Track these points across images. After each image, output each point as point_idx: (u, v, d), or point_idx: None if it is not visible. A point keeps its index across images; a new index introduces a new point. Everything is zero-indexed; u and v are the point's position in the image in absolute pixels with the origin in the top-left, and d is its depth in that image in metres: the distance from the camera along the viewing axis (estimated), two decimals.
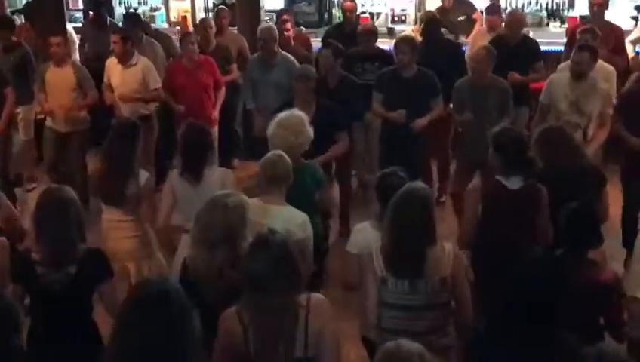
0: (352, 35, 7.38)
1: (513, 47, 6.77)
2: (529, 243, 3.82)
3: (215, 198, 3.20)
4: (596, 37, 6.24)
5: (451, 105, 6.22)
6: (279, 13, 8.67)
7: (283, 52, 6.89)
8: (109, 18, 8.88)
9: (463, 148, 6.11)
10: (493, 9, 7.99)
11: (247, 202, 3.24)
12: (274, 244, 2.73)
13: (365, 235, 3.75)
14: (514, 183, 4.07)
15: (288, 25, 7.91)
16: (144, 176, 4.60)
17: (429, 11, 8.01)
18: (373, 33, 7.23)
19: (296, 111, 4.58)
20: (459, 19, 8.59)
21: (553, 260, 3.20)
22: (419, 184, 3.41)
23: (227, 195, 3.22)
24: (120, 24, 8.58)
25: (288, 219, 3.79)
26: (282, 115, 4.53)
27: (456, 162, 6.40)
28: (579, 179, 4.21)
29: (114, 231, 4.62)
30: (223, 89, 7.12)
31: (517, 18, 7.11)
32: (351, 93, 6.11)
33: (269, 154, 4.01)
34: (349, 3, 8.29)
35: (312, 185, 4.50)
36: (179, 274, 3.30)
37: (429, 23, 7.21)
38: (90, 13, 8.89)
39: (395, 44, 6.18)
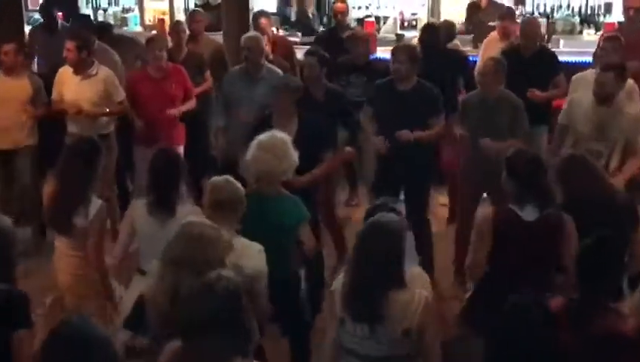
0: (340, 43, 7.40)
1: (528, 59, 6.72)
2: (542, 286, 3.78)
3: (186, 229, 3.33)
4: (619, 47, 6.15)
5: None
6: (255, 15, 8.38)
7: (269, 65, 6.78)
8: (60, 21, 8.62)
9: (469, 170, 6.06)
10: (508, 14, 7.94)
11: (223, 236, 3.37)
12: (218, 289, 2.76)
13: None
14: (529, 213, 4.04)
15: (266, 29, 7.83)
16: (95, 205, 4.51)
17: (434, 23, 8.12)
18: (361, 39, 7.15)
19: (280, 133, 4.53)
20: (490, 23, 8.49)
21: (541, 314, 3.20)
22: (389, 216, 3.42)
23: (199, 225, 3.34)
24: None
25: (238, 252, 3.75)
26: (264, 136, 4.48)
27: (460, 187, 6.35)
28: (607, 213, 4.12)
29: (60, 262, 4.63)
30: (194, 99, 6.98)
31: (532, 26, 7.03)
32: (339, 106, 6.11)
33: (216, 178, 4.01)
34: (339, 4, 8.28)
35: (291, 221, 4.39)
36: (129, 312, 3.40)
37: (426, 29, 7.27)
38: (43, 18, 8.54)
39: (392, 52, 6.08)
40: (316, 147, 5.30)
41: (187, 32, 7.52)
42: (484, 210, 4.26)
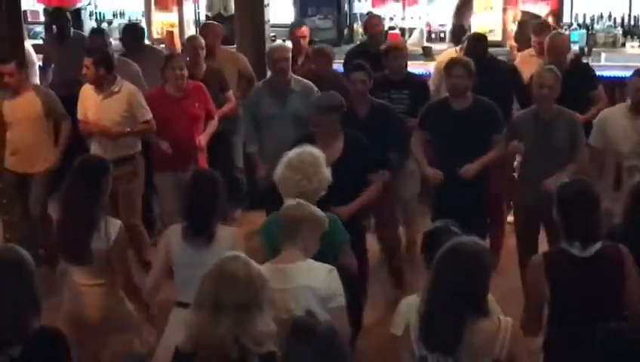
0: (379, 58, 7.52)
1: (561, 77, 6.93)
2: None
3: (225, 265, 3.38)
4: None
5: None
6: (293, 26, 8.87)
7: (296, 76, 7.11)
8: (72, 29, 9.08)
9: (522, 198, 6.23)
10: (541, 27, 8.16)
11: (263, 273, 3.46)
12: (318, 334, 2.95)
13: (413, 310, 3.73)
14: (583, 250, 4.09)
15: (304, 42, 8.17)
16: (114, 225, 4.68)
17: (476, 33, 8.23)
18: (401, 51, 7.41)
19: (309, 148, 4.72)
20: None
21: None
22: (469, 239, 3.50)
23: (240, 261, 3.40)
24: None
25: (308, 274, 4.01)
26: (292, 153, 4.68)
27: (514, 219, 6.54)
28: None
29: (81, 296, 4.71)
30: (216, 119, 7.35)
31: (556, 42, 7.28)
32: (387, 122, 6.34)
33: (289, 204, 4.18)
34: (375, 19, 8.56)
35: (328, 243, 4.47)
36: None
37: (474, 39, 7.49)
38: (54, 27, 9.16)
39: (446, 66, 6.36)
40: (363, 168, 5.62)
41: (204, 47, 7.82)
42: (534, 258, 4.26)
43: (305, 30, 8.73)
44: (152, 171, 7.22)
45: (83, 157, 5.08)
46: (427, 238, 3.99)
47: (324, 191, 4.62)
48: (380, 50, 7.67)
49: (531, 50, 8.15)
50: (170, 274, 4.67)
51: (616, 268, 4.07)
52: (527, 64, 7.72)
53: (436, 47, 9.85)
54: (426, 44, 10.09)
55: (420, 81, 7.47)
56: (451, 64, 6.31)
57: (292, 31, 8.77)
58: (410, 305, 3.77)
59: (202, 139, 7.12)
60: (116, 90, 6.98)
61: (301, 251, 4.13)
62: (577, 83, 6.85)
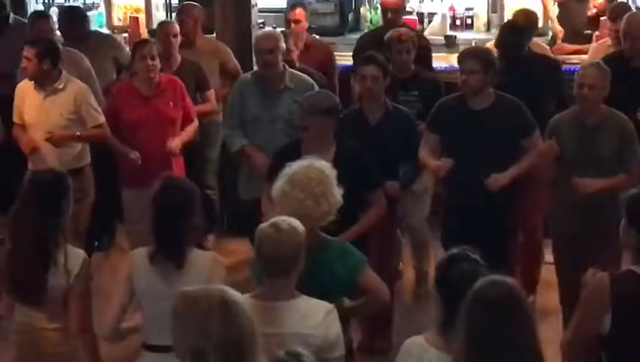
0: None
1: (637, 68, 6.87)
2: None
3: (209, 295, 3.26)
4: None
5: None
6: (289, 8, 8.74)
7: (292, 70, 7.02)
8: (13, 15, 8.88)
9: (562, 218, 6.18)
10: (617, 10, 8.00)
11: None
12: None
13: (416, 356, 3.75)
14: None
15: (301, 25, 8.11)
16: (77, 257, 4.65)
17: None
18: (405, 43, 7.26)
19: (319, 162, 4.61)
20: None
21: None
22: (503, 278, 3.44)
23: (226, 293, 3.26)
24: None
25: (302, 318, 3.97)
26: (296, 165, 4.56)
27: (554, 244, 6.50)
28: None
29: (31, 343, 4.69)
30: (196, 121, 7.25)
31: (633, 25, 7.08)
32: (405, 132, 6.32)
33: (265, 224, 4.06)
34: None
35: (341, 275, 4.49)
36: None
37: (507, 29, 7.44)
38: None
39: (459, 58, 6.34)
40: (359, 186, 5.41)
41: (178, 35, 7.77)
42: (598, 276, 4.21)
43: (299, 13, 8.54)
44: (111, 187, 7.16)
45: (38, 171, 5.07)
46: (440, 270, 3.85)
47: (332, 217, 4.51)
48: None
49: (607, 40, 8.00)
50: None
51: None
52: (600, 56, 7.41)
53: (461, 35, 9.85)
54: (449, 32, 9.97)
55: (432, 79, 7.37)
56: (462, 56, 6.27)
57: (285, 13, 8.73)
58: (415, 350, 3.77)
59: (175, 143, 6.95)
60: (61, 87, 6.87)
61: (293, 284, 4.05)
62: None
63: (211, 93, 7.69)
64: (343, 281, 4.48)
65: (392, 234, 6.90)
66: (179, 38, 7.73)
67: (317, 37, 9.13)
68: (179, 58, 7.65)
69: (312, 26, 9.29)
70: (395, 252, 7.18)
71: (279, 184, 4.51)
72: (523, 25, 7.50)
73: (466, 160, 6.02)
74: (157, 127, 6.90)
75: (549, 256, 6.86)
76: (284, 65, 6.91)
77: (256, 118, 6.82)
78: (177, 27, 7.83)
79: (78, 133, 6.84)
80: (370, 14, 10.25)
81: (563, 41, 9.35)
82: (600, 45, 8.15)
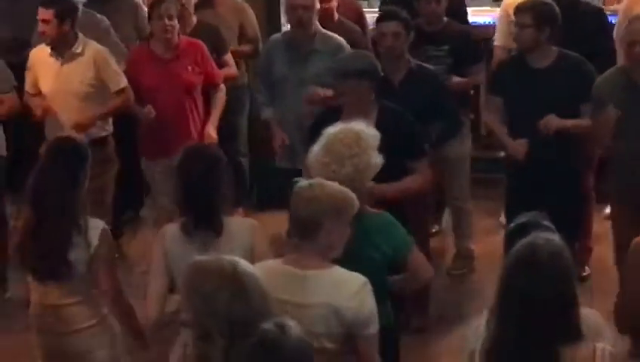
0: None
1: None
2: None
3: (222, 267, 3.29)
4: None
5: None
6: None
7: (323, 30, 6.85)
8: None
9: (619, 181, 6.07)
10: None
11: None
12: (284, 350, 2.93)
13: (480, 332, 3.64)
14: None
15: None
16: (96, 228, 4.65)
17: None
18: None
19: (357, 125, 4.54)
20: None
21: None
22: (548, 237, 3.38)
23: (239, 267, 3.30)
24: None
25: (333, 288, 3.88)
26: (330, 131, 4.50)
27: (610, 206, 6.51)
28: None
29: (54, 321, 4.66)
30: (223, 90, 7.10)
31: None
32: (430, 91, 6.17)
33: (300, 185, 4.03)
34: None
35: (387, 252, 4.46)
36: None
37: None
38: None
39: (514, 11, 6.25)
40: (401, 153, 5.32)
41: None
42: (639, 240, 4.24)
43: None
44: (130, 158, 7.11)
45: (56, 138, 4.99)
46: (510, 238, 3.74)
47: (366, 180, 4.47)
48: None
49: None
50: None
51: None
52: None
53: None
54: None
55: (463, 31, 7.15)
56: (516, 9, 6.19)
57: None
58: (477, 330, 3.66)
59: (211, 130, 6.86)
60: (78, 51, 6.71)
61: (325, 251, 3.95)
62: None
63: (229, 57, 7.49)
64: (390, 258, 4.44)
65: (427, 201, 6.71)
66: None
67: None
68: (194, 19, 7.43)
69: None
70: (426, 223, 7.01)
71: (313, 154, 4.48)
72: None
73: (527, 121, 5.97)
74: (174, 93, 6.77)
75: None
76: (316, 24, 6.76)
77: (284, 81, 6.73)
78: None
79: (103, 111, 6.72)
80: None
81: None
82: None
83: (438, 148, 6.36)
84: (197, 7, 7.58)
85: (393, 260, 4.49)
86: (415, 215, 5.98)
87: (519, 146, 6.06)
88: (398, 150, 5.15)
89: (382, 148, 4.74)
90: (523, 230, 3.71)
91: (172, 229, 4.53)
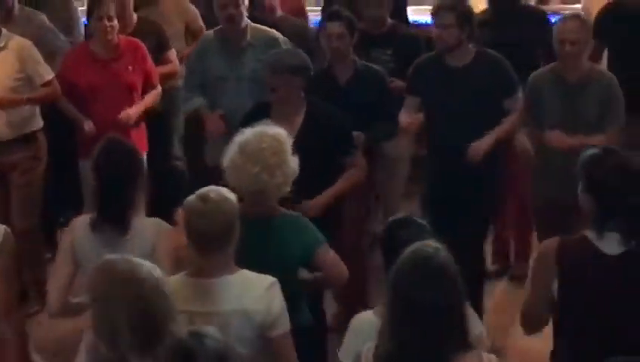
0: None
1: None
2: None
3: (119, 267, 3.34)
4: None
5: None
6: None
7: (259, 26, 6.85)
8: None
9: (543, 181, 6.14)
10: None
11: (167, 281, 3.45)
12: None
13: (366, 333, 3.71)
14: (612, 245, 4.05)
15: None
16: None
17: None
18: None
19: (273, 130, 4.58)
20: None
21: None
22: (429, 245, 3.42)
23: (138, 265, 3.36)
24: None
25: (241, 292, 3.91)
26: (249, 134, 4.52)
27: (533, 207, 6.52)
28: None
29: None
30: (158, 88, 7.10)
31: None
32: (376, 89, 6.24)
33: (192, 196, 4.02)
34: None
35: (296, 251, 4.51)
36: None
37: None
38: None
39: (432, 11, 6.23)
40: (332, 149, 5.44)
41: None
42: (546, 242, 4.26)
43: None
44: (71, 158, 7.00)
45: None
46: (385, 235, 3.96)
47: (288, 187, 4.51)
48: None
49: None
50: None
51: None
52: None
53: None
54: None
55: (410, 36, 7.17)
56: (437, 8, 6.13)
57: None
58: (365, 327, 3.84)
59: (130, 113, 6.75)
60: (1, 45, 6.59)
61: (229, 257, 3.99)
62: None
63: (172, 53, 7.47)
64: (298, 258, 4.48)
65: (369, 197, 6.85)
66: None
67: None
68: (134, 17, 7.40)
69: None
70: (372, 219, 7.10)
71: (230, 154, 4.46)
72: None
73: (446, 121, 5.98)
74: (115, 94, 6.74)
75: None
76: (247, 21, 6.76)
77: (221, 78, 6.70)
78: None
79: (28, 96, 6.62)
80: None
81: None
82: None
83: (375, 147, 6.39)
84: (140, 4, 7.56)
85: (303, 259, 4.50)
86: (347, 216, 6.12)
87: (413, 119, 6.09)
88: (330, 146, 5.35)
89: (313, 146, 4.91)
90: (396, 226, 3.94)
91: (82, 222, 4.55)
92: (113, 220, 4.45)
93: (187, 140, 7.91)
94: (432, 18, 6.12)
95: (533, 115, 6.05)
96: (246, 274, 3.97)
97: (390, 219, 4.07)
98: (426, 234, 3.77)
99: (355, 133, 5.77)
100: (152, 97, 6.99)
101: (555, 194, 5.87)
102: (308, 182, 4.79)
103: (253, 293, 3.89)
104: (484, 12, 7.14)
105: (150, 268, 3.36)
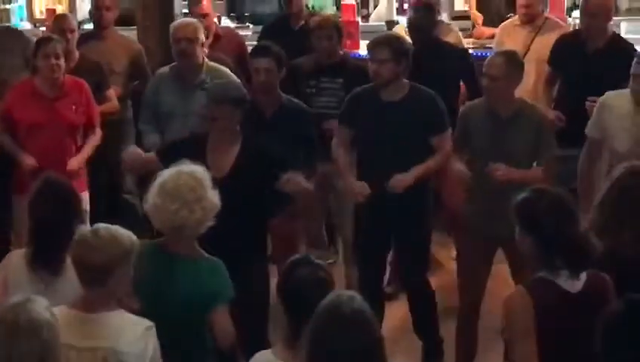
0: (303, 36, 7.56)
1: (599, 54, 6.90)
2: None
3: (15, 311, 3.42)
4: None
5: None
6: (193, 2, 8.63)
7: (211, 63, 7.02)
8: None
9: (472, 218, 6.05)
10: None
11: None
12: None
13: None
14: (570, 282, 4.11)
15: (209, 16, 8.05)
16: None
17: None
18: (333, 28, 7.23)
19: (188, 168, 4.65)
20: None
21: None
22: (351, 294, 3.48)
23: (30, 302, 3.44)
24: None
25: (117, 332, 3.92)
26: (166, 174, 4.61)
27: (460, 243, 6.40)
28: None
29: None
30: (99, 131, 7.08)
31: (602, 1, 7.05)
32: (298, 125, 6.33)
33: (83, 233, 4.07)
34: None
35: (207, 294, 4.54)
36: None
37: (420, 10, 7.48)
38: None
39: (368, 46, 6.27)
40: (269, 180, 5.45)
41: (76, 29, 7.67)
42: (517, 291, 4.23)
43: (205, 6, 8.37)
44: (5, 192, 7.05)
45: None
46: (282, 277, 3.96)
47: (210, 223, 4.55)
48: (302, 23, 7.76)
49: (515, 19, 8.01)
50: None
51: (602, 306, 3.89)
52: (511, 38, 7.68)
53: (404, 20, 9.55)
54: (395, 16, 10.00)
55: (358, 67, 7.15)
56: (372, 45, 6.19)
57: (189, 7, 8.63)
58: None
59: (74, 163, 6.77)
60: None
61: (112, 294, 4.02)
62: (617, 65, 6.43)
63: (111, 93, 7.53)
64: (204, 304, 4.47)
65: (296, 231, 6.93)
66: (76, 34, 7.56)
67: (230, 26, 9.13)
68: (76, 54, 7.47)
69: (247, 14, 9.34)
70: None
71: (150, 196, 4.54)
72: (432, 6, 7.55)
73: (377, 154, 6.06)
74: (56, 132, 6.76)
75: None
76: (202, 58, 6.88)
77: (170, 113, 6.82)
78: (73, 22, 7.66)
79: None
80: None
81: (483, 24, 9.39)
82: (506, 25, 8.04)
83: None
84: (85, 39, 7.77)
85: (206, 307, 4.49)
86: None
87: (360, 190, 6.07)
88: (265, 174, 5.40)
89: (249, 174, 5.16)
90: (292, 267, 3.91)
91: (18, 257, 4.59)
92: (47, 260, 4.47)
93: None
94: (368, 53, 6.18)
95: (463, 148, 6.05)
96: (125, 314, 3.99)
97: (290, 259, 4.06)
98: (322, 272, 3.84)
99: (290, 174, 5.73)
100: (94, 143, 6.96)
101: (485, 228, 5.85)
102: (244, 210, 5.06)
103: (129, 335, 3.89)
104: None
105: (39, 311, 3.43)
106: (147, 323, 3.97)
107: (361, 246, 6.39)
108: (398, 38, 6.33)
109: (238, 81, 6.47)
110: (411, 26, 7.35)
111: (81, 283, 3.99)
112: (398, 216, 6.07)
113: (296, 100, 6.52)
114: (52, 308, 3.54)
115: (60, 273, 4.43)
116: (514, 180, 5.51)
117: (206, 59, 6.90)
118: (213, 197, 4.54)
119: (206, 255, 4.61)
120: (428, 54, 6.94)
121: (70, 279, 4.30)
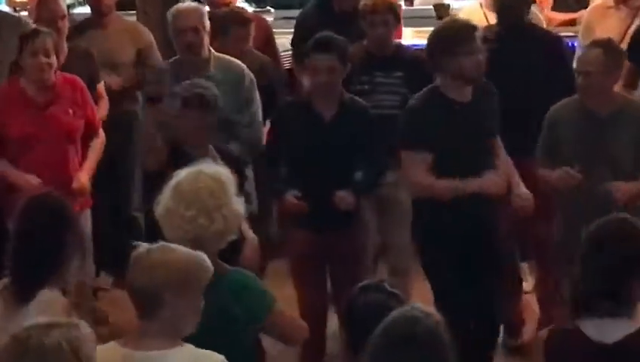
0: (350, 20, 7.16)
1: None
2: None
3: (26, 336, 3.27)
4: None
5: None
6: None
7: (220, 55, 6.81)
8: None
9: (567, 240, 5.80)
10: None
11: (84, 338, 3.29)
12: None
13: None
14: (606, 332, 3.93)
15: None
16: None
17: None
18: (381, 15, 6.84)
19: (212, 168, 4.54)
20: None
21: None
22: (421, 310, 3.39)
23: (48, 327, 3.27)
24: None
25: None
26: (181, 174, 4.42)
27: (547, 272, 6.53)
28: None
29: None
30: (102, 134, 6.76)
31: None
32: (359, 127, 6.19)
33: (138, 251, 3.87)
34: None
35: (239, 319, 4.34)
36: None
37: None
38: None
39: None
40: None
41: (66, 16, 7.32)
42: (540, 334, 4.26)
43: None
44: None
45: None
46: (347, 302, 3.95)
47: (233, 236, 4.45)
48: (350, 8, 7.33)
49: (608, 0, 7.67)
50: None
51: None
52: (603, 22, 7.36)
53: (459, 3, 9.64)
54: None
55: (416, 57, 6.86)
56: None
57: None
58: None
59: (81, 178, 6.47)
60: None
61: (170, 329, 3.78)
62: None
63: (102, 87, 7.22)
64: (243, 323, 4.31)
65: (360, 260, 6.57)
66: (66, 24, 7.18)
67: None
68: (65, 47, 7.03)
69: None
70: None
71: (162, 199, 4.36)
72: None
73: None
74: (54, 142, 6.39)
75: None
76: (209, 50, 6.69)
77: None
78: (63, 5, 7.32)
79: None
80: None
81: (553, 9, 9.43)
82: (597, 6, 7.80)
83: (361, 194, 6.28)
84: (81, 29, 7.57)
85: (249, 325, 4.33)
86: None
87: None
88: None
89: None
90: (360, 292, 3.88)
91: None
92: (17, 287, 4.39)
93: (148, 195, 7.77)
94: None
95: (547, 155, 5.92)
96: (190, 350, 3.77)
97: (356, 286, 4.02)
98: (392, 301, 3.77)
99: (340, 194, 5.85)
100: (98, 149, 6.68)
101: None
102: None
103: None
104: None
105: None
106: (218, 357, 3.78)
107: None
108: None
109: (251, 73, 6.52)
110: (502, 4, 6.92)
111: (138, 313, 3.83)
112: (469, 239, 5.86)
113: (359, 99, 6.32)
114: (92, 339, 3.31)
115: (25, 304, 4.31)
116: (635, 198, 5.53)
117: (212, 51, 6.69)
118: (238, 205, 4.38)
119: (229, 268, 4.38)
120: (517, 38, 6.70)
121: (32, 314, 4.05)
